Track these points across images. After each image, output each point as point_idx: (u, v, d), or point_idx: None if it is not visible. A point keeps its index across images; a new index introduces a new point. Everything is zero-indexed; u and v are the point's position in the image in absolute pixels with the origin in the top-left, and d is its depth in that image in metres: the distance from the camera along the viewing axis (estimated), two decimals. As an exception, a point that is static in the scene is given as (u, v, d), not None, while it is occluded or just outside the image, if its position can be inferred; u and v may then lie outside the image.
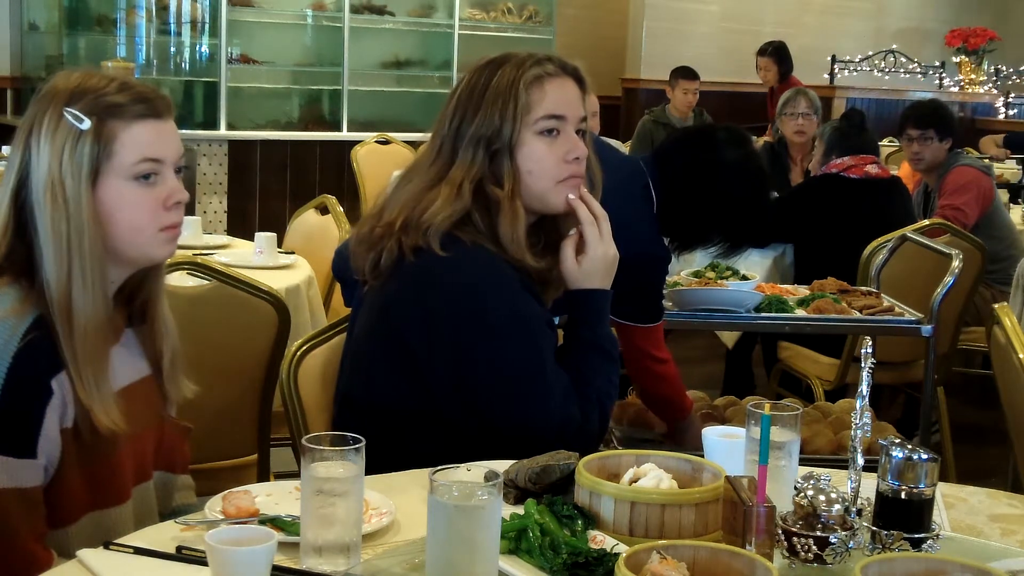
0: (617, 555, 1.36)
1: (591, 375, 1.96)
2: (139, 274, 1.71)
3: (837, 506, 1.47)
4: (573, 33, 9.07)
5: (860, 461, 1.57)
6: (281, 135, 7.51)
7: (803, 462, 1.68)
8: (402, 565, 1.46)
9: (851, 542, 1.46)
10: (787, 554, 1.47)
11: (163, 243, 1.66)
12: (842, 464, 1.69)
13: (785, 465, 1.64)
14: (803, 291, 3.39)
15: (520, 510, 1.52)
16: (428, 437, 1.90)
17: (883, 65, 10.24)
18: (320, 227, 3.96)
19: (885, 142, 7.10)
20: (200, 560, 1.39)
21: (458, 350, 1.88)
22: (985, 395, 4.47)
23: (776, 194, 4.49)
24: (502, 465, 1.63)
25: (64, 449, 1.58)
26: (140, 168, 1.62)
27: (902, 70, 10.31)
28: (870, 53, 10.22)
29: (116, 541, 1.48)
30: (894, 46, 10.36)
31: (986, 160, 5.88)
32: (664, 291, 2.92)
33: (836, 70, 9.97)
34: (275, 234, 3.70)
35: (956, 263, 3.31)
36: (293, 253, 3.75)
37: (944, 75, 10.51)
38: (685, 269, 3.61)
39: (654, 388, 2.84)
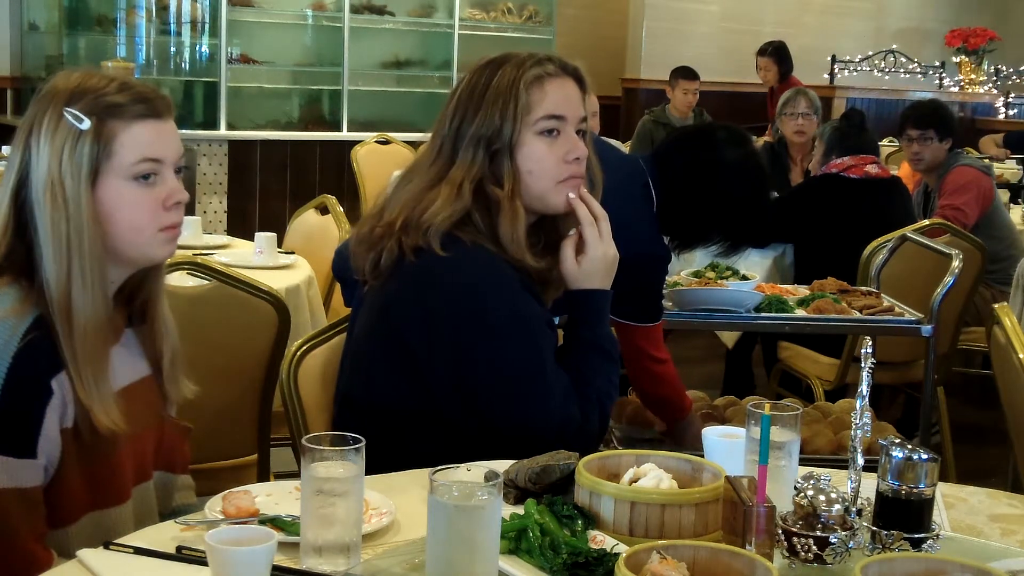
0: (617, 555, 1.36)
1: (591, 375, 1.96)
2: (139, 274, 1.71)
3: (837, 506, 1.47)
4: (573, 33, 9.08)
5: (860, 461, 1.57)
6: (281, 135, 7.51)
7: (803, 462, 1.68)
8: (402, 565, 1.46)
9: (851, 542, 1.46)
10: (787, 554, 1.47)
11: (163, 243, 1.66)
12: (842, 464, 1.69)
13: (785, 465, 1.64)
14: (803, 291, 3.39)
15: (520, 510, 1.52)
16: (428, 437, 1.90)
17: (883, 65, 10.24)
18: (320, 227, 3.96)
19: (885, 142, 7.10)
20: (200, 560, 1.39)
21: (458, 350, 1.88)
22: (985, 395, 4.47)
23: (776, 194, 4.49)
24: (502, 465, 1.63)
25: (64, 449, 1.58)
26: (140, 168, 1.62)
27: (902, 70, 10.31)
28: (870, 53, 10.22)
29: (116, 541, 1.48)
30: (894, 46, 10.36)
31: (986, 160, 5.88)
32: (664, 291, 2.92)
33: (836, 70, 9.97)
34: (275, 234, 3.70)
35: (956, 263, 3.31)
36: (293, 253, 3.75)
37: (944, 75, 10.51)
38: (685, 269, 3.61)
39: (653, 389, 2.84)
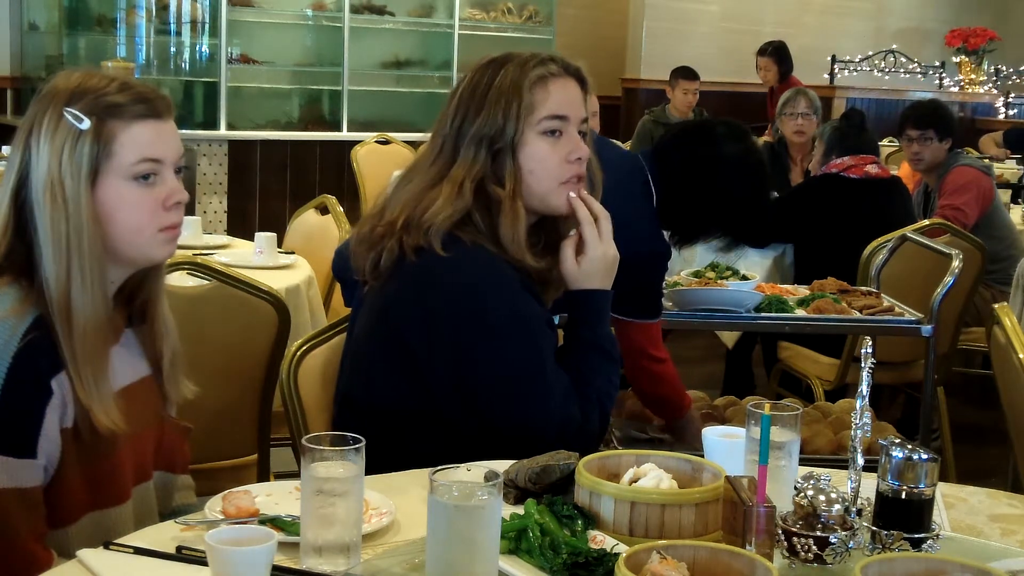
0: (617, 555, 1.36)
1: (591, 375, 1.96)
2: (139, 274, 1.71)
3: (837, 506, 1.47)
4: (573, 33, 9.07)
5: (860, 461, 1.57)
6: (281, 135, 7.51)
7: (803, 462, 1.68)
8: (402, 565, 1.46)
9: (851, 542, 1.46)
10: (787, 554, 1.47)
11: (163, 243, 1.66)
12: (842, 464, 1.69)
13: (785, 465, 1.64)
14: (803, 291, 3.39)
15: (520, 510, 1.52)
16: (428, 437, 1.90)
17: (883, 65, 10.24)
18: (320, 227, 3.96)
19: (885, 142, 7.10)
20: (200, 560, 1.39)
21: (458, 350, 1.88)
22: (985, 395, 4.47)
23: (776, 194, 4.49)
24: (502, 465, 1.63)
25: (64, 449, 1.58)
26: (140, 168, 1.62)
27: (902, 70, 10.31)
28: (870, 53, 10.22)
29: (116, 541, 1.48)
30: (894, 46, 10.36)
31: (986, 160, 5.88)
32: (664, 291, 2.92)
33: (836, 70, 9.97)
34: (275, 234, 3.70)
35: (956, 263, 3.31)
36: (293, 253, 3.75)
37: (944, 75, 10.51)
38: (685, 269, 3.61)
39: (652, 389, 2.84)
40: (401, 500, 1.63)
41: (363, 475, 1.44)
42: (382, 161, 6.27)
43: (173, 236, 1.67)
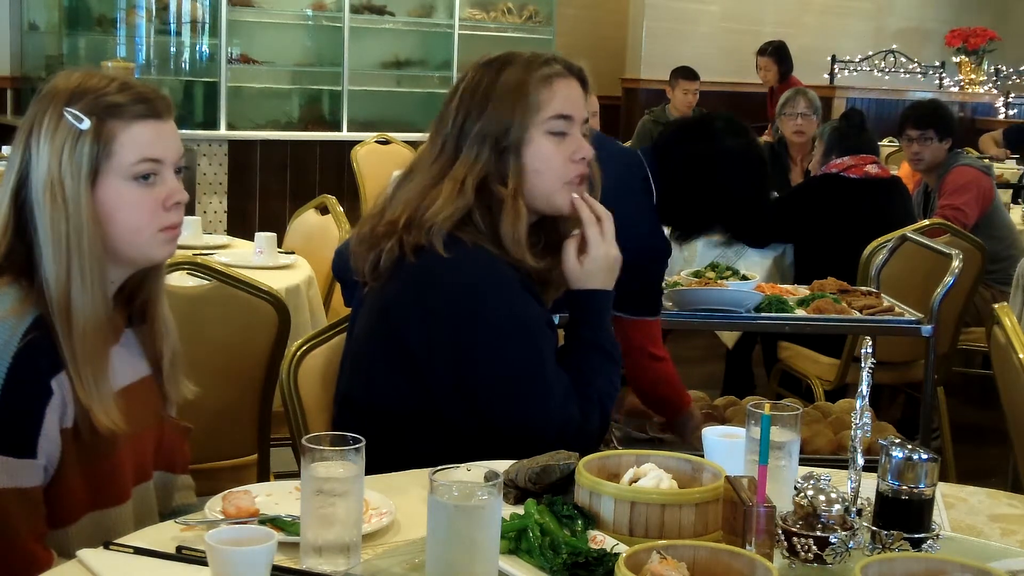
0: (617, 555, 1.36)
1: (592, 375, 1.96)
2: (139, 274, 1.71)
3: (837, 506, 1.47)
4: (573, 33, 9.07)
5: (860, 461, 1.57)
6: (281, 135, 7.51)
7: (803, 462, 1.68)
8: (402, 565, 1.46)
9: (851, 542, 1.46)
10: (787, 554, 1.47)
11: (163, 243, 1.66)
12: (842, 464, 1.69)
13: (785, 465, 1.64)
14: (803, 291, 3.39)
15: (520, 510, 1.52)
16: (428, 437, 1.90)
17: (883, 65, 10.24)
18: (320, 227, 3.96)
19: (885, 142, 7.10)
20: (200, 560, 1.39)
21: (458, 350, 1.88)
22: (985, 395, 4.47)
23: (776, 194, 4.49)
24: (502, 465, 1.63)
25: (64, 449, 1.58)
26: (140, 168, 1.62)
27: (902, 70, 10.30)
28: (870, 53, 10.22)
29: (116, 541, 1.48)
30: (894, 46, 10.36)
31: (986, 160, 5.88)
32: (664, 290, 2.92)
33: (836, 70, 9.96)
34: (275, 234, 3.70)
35: (956, 263, 3.31)
36: (293, 253, 3.75)
37: (944, 75, 10.51)
38: (686, 269, 3.61)
39: (652, 388, 2.84)
40: (401, 500, 1.63)
41: (363, 475, 1.44)
42: (382, 161, 6.27)
43: (173, 236, 1.67)
